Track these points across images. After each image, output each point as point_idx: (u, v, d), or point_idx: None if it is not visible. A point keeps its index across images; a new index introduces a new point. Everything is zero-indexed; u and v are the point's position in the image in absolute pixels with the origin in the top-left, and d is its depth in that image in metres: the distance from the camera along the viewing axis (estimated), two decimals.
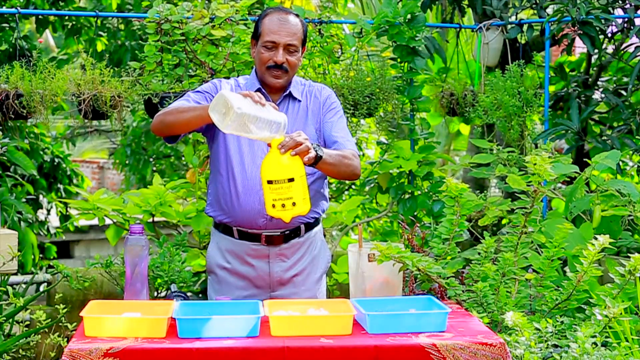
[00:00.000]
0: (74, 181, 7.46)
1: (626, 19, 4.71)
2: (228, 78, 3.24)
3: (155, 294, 3.94)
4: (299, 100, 3.13)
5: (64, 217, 7.34)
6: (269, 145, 2.68)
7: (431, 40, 4.96)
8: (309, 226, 3.17)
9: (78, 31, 7.49)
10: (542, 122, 4.92)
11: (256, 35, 3.09)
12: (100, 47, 7.58)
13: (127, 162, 9.25)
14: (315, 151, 2.76)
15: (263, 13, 3.11)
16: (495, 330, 2.84)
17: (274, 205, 2.67)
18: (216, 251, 3.20)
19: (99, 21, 7.36)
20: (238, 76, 3.46)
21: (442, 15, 5.72)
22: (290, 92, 3.12)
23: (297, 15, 3.10)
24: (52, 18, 7.37)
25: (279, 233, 3.09)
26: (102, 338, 2.38)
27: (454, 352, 2.37)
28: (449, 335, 2.45)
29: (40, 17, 7.31)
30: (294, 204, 2.65)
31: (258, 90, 3.09)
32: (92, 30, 7.56)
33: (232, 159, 3.07)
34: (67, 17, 7.45)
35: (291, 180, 2.64)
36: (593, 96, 5.32)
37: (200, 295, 4.20)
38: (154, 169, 9.01)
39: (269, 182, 2.65)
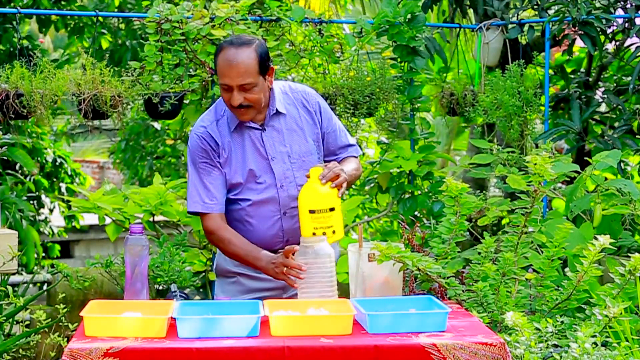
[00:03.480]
0: (76, 180, 7.47)
1: (627, 19, 4.71)
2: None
3: (157, 288, 3.94)
4: (284, 114, 3.05)
5: (68, 217, 7.35)
6: (308, 176, 2.83)
7: (432, 40, 4.96)
8: None
9: (81, 30, 7.49)
10: (542, 122, 4.92)
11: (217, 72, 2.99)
12: (105, 44, 7.58)
13: (123, 157, 9.24)
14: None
15: (218, 48, 2.97)
16: (495, 330, 2.84)
17: (314, 233, 2.80)
18: (227, 261, 3.13)
19: (100, 19, 7.36)
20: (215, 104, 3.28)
21: (444, 15, 5.72)
22: (276, 109, 3.03)
23: (249, 45, 2.90)
24: (54, 17, 7.37)
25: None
26: (102, 338, 2.38)
27: (454, 352, 2.37)
28: (449, 335, 2.45)
29: (42, 16, 7.31)
30: (334, 232, 2.82)
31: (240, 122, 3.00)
32: (94, 29, 7.55)
33: (248, 194, 3.03)
34: (69, 16, 7.45)
35: (332, 209, 2.80)
36: (594, 96, 5.32)
37: (201, 289, 4.19)
38: (153, 167, 9.01)
39: (311, 211, 2.79)
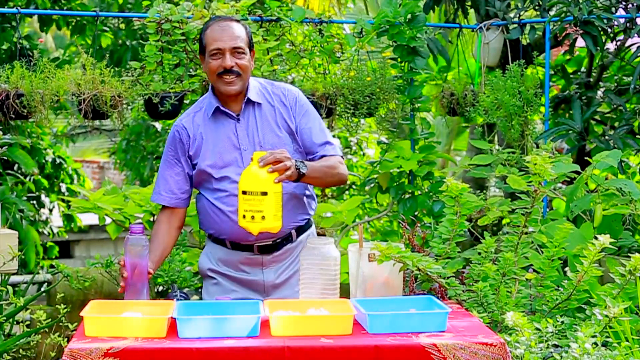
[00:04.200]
0: (76, 181, 7.48)
1: (628, 19, 4.71)
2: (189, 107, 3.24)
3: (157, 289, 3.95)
4: (260, 104, 3.08)
5: (67, 217, 7.35)
6: (252, 158, 2.78)
7: (434, 41, 4.95)
8: (301, 229, 3.16)
9: (82, 28, 7.49)
10: (543, 122, 4.92)
11: (202, 50, 3.06)
12: (105, 42, 7.59)
13: (125, 157, 9.25)
14: (298, 169, 2.83)
15: (204, 26, 3.08)
16: (496, 330, 2.84)
17: (244, 216, 2.75)
18: (209, 258, 3.18)
19: (101, 19, 7.36)
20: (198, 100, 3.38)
21: (446, 16, 5.72)
22: (249, 98, 3.06)
23: (238, 21, 3.07)
24: (55, 16, 7.37)
25: (270, 242, 3.08)
26: (102, 338, 2.38)
27: (454, 352, 2.37)
28: (449, 335, 2.45)
29: (43, 15, 7.31)
30: (263, 217, 2.73)
31: (216, 109, 3.05)
32: (97, 26, 7.55)
33: (216, 186, 3.06)
34: (70, 15, 7.45)
35: (264, 194, 2.73)
36: (595, 96, 5.32)
37: (200, 290, 4.22)
38: (154, 168, 9.02)
39: (244, 192, 2.74)
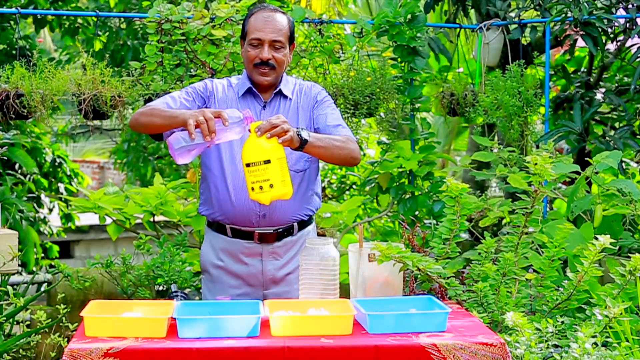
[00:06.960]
0: (74, 180, 7.48)
1: (628, 19, 4.71)
2: (221, 78, 3.27)
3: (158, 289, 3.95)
4: (290, 99, 3.15)
5: (66, 217, 7.36)
6: (249, 130, 2.74)
7: (436, 41, 4.95)
8: (303, 224, 3.18)
9: (76, 30, 7.50)
10: (543, 122, 4.92)
11: (243, 35, 3.12)
12: (98, 45, 7.59)
13: (125, 159, 9.25)
14: (299, 135, 2.78)
15: (249, 12, 3.14)
16: (496, 330, 2.84)
17: (253, 188, 2.72)
18: (209, 249, 3.21)
19: (100, 19, 7.37)
20: (231, 76, 3.47)
21: (446, 15, 5.71)
22: (280, 89, 3.13)
23: (283, 13, 3.12)
24: (49, 17, 7.37)
25: (271, 231, 3.10)
26: (102, 338, 2.38)
27: (454, 352, 2.37)
28: (449, 335, 2.45)
29: (38, 16, 7.32)
30: (271, 185, 2.70)
31: (249, 89, 3.12)
32: (90, 30, 7.57)
33: (223, 157, 3.08)
34: (65, 17, 7.45)
35: (267, 162, 2.69)
36: (595, 97, 5.32)
37: (200, 290, 4.22)
38: (155, 168, 9.02)
39: (247, 165, 2.71)
